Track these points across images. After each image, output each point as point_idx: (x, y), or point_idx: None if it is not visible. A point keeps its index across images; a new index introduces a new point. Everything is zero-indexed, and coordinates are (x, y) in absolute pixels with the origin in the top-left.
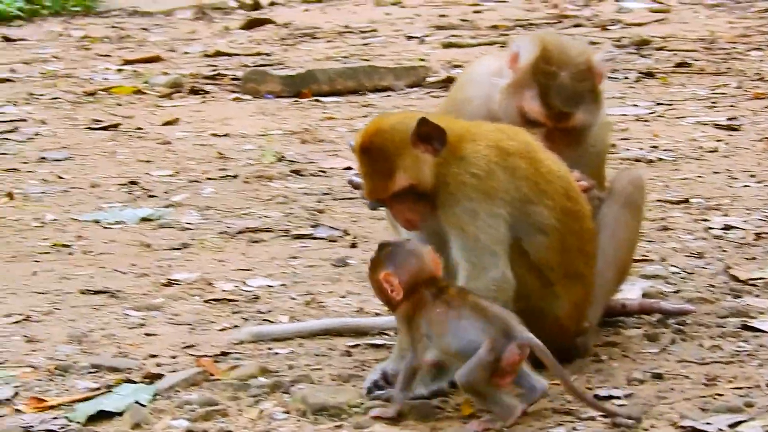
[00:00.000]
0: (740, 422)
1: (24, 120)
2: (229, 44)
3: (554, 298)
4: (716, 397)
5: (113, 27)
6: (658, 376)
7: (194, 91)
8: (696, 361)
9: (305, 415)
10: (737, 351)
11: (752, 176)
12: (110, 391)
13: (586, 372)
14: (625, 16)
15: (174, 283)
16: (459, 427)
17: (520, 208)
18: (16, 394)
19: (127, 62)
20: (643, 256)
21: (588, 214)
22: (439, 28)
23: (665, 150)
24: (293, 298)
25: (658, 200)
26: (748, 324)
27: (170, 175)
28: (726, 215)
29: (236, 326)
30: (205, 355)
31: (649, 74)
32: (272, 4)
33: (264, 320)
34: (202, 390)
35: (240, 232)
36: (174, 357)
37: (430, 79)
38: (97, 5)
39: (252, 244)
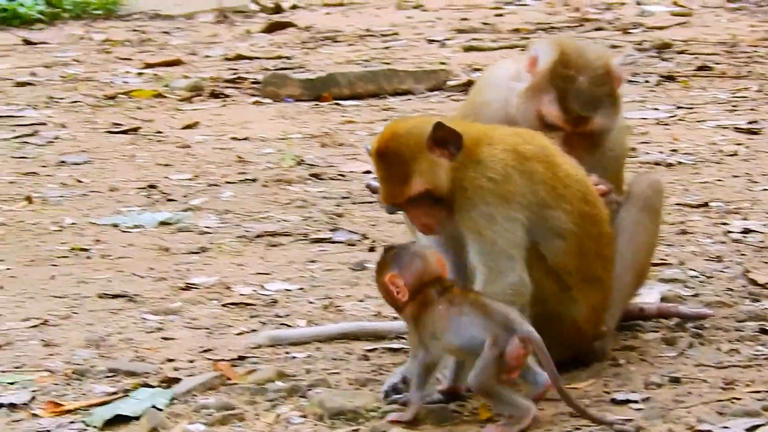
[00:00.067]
0: (758, 426)
1: (44, 123)
2: (251, 48)
3: (572, 302)
4: (734, 401)
5: (134, 30)
6: (676, 380)
7: (214, 95)
8: (714, 365)
9: (322, 420)
10: (755, 355)
11: None
12: (127, 396)
13: (603, 376)
14: (646, 19)
15: (192, 287)
16: (476, 431)
17: (537, 213)
18: (33, 398)
19: (148, 66)
20: (662, 259)
21: (606, 218)
22: (461, 31)
23: (685, 153)
24: (311, 302)
25: (678, 204)
26: (767, 328)
27: (189, 179)
28: (745, 219)
29: (254, 330)
30: (223, 359)
31: (670, 78)
32: (294, 7)
33: (282, 324)
34: (220, 394)
35: (258, 236)
36: (191, 361)
37: (450, 83)
38: (119, 8)
39: (270, 248)
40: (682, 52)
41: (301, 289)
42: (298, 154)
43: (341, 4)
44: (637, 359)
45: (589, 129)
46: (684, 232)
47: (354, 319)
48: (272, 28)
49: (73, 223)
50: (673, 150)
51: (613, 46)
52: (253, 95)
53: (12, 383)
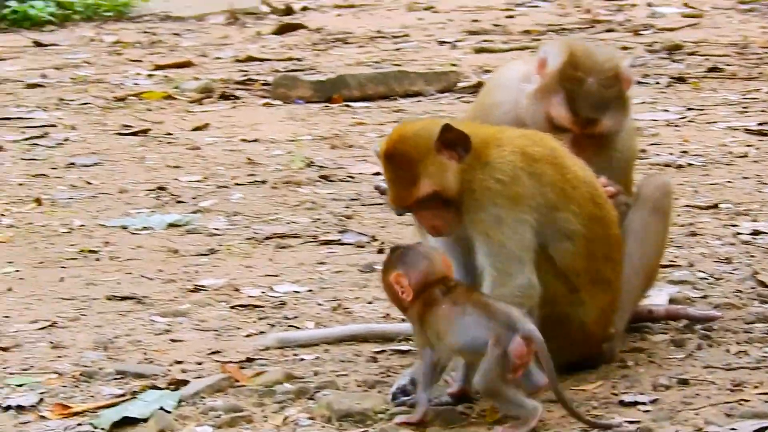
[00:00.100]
0: (766, 428)
1: (54, 125)
2: (261, 49)
3: (580, 304)
4: (742, 402)
5: (145, 32)
6: (684, 382)
7: (224, 97)
8: (722, 367)
9: (330, 422)
10: (764, 357)
11: None
12: (135, 398)
13: (611, 378)
14: (657, 21)
15: (201, 289)
16: None
17: (546, 215)
18: (41, 400)
19: (158, 67)
20: (671, 261)
21: (614, 220)
22: (471, 33)
23: (695, 155)
24: (320, 304)
25: (687, 205)
26: None
27: (199, 181)
28: (755, 220)
29: (262, 332)
30: (231, 361)
31: (681, 79)
32: (305, 9)
33: (290, 326)
34: (227, 396)
35: (267, 238)
36: (199, 363)
37: (461, 85)
38: (130, 10)
39: (279, 250)
40: (692, 54)
41: (309, 290)
42: (307, 155)
43: (352, 6)
44: (645, 361)
45: (597, 131)
46: (693, 234)
47: (363, 321)
48: (283, 29)
49: (82, 225)
50: (683, 151)
51: (624, 48)
52: (264, 97)
53: (20, 385)
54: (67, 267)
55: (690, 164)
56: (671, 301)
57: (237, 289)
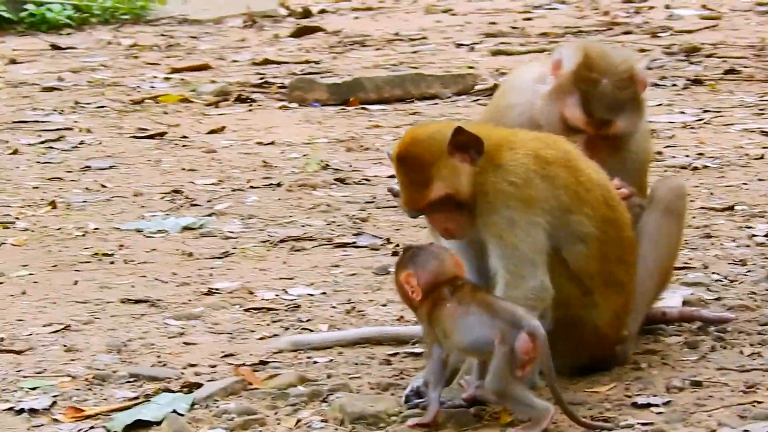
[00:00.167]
0: None
1: (70, 128)
2: (278, 52)
3: (593, 306)
4: (755, 404)
5: (162, 35)
6: (698, 384)
7: (241, 100)
8: (735, 369)
9: (343, 424)
10: None
11: None
12: (148, 401)
13: (625, 380)
14: (675, 23)
15: (215, 292)
16: None
17: (559, 217)
18: (55, 403)
19: (175, 70)
20: (686, 263)
21: (628, 223)
22: (489, 35)
23: (711, 157)
24: (334, 307)
25: (702, 207)
26: None
27: (214, 184)
28: None
29: (276, 335)
30: (244, 364)
31: (698, 81)
32: (322, 11)
33: (304, 329)
34: (241, 399)
35: (282, 241)
36: (213, 366)
37: (478, 87)
38: (147, 13)
39: (294, 253)
40: (710, 56)
41: (323, 293)
42: (323, 158)
43: (370, 9)
44: (658, 363)
45: (611, 132)
46: (708, 236)
47: (376, 324)
48: (300, 32)
49: (96, 228)
50: (699, 153)
51: (642, 50)
52: (280, 100)
53: (33, 388)
54: (82, 270)
55: (706, 166)
56: (685, 303)
57: (251, 292)
